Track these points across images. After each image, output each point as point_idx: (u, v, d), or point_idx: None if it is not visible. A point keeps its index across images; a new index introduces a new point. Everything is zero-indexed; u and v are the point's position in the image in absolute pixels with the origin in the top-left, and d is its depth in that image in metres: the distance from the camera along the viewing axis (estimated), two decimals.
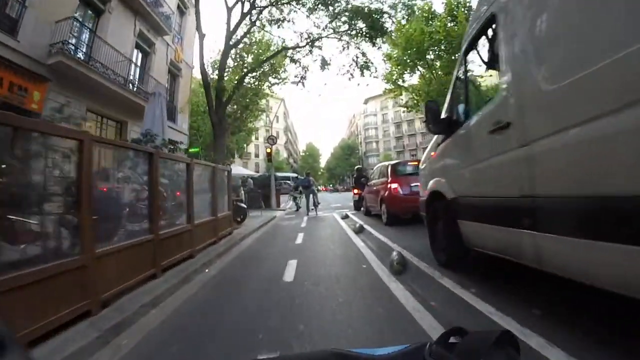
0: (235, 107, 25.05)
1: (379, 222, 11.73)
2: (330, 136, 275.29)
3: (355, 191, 16.71)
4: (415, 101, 30.78)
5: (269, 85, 26.91)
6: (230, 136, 33.26)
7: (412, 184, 9.71)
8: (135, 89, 15.45)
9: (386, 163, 12.42)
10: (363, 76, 24.31)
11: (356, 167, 19.52)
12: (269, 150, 21.36)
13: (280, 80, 28.76)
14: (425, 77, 28.50)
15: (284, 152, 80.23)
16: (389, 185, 10.56)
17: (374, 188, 12.56)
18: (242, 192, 16.99)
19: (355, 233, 10.00)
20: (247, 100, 27.50)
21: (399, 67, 30.02)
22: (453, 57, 23.71)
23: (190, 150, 18.17)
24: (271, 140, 21.65)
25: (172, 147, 8.92)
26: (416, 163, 10.19)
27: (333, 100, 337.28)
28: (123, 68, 14.47)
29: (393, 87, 31.56)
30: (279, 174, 47.23)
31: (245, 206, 13.71)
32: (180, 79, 22.18)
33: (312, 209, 16.04)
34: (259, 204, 19.32)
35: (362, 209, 15.54)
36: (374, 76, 19.82)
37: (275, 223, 14.31)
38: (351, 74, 18.78)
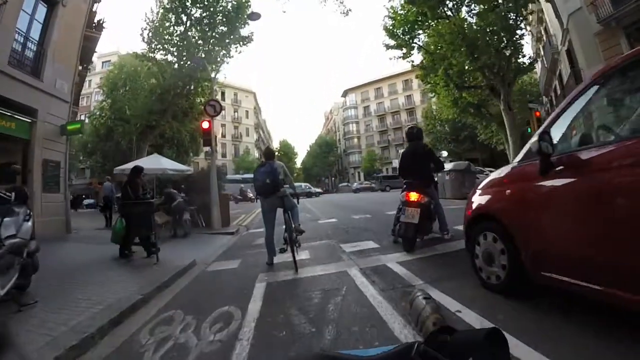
0: None
1: None
2: (306, 134, 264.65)
3: (413, 196, 6.50)
4: (432, 62, 22.53)
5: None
6: (171, 121, 24.29)
7: None
8: None
9: None
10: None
11: (410, 127, 7.92)
12: (206, 125, 12.34)
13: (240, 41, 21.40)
14: (452, 24, 20.03)
15: (255, 151, 71.77)
16: None
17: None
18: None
19: None
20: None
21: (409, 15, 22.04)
22: None
23: (69, 127, 13.85)
24: (210, 107, 12.62)
25: None
26: None
27: (308, 95, 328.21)
28: None
29: (399, 44, 23.31)
30: (247, 176, 38.88)
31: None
32: (60, 9, 13.35)
33: (284, 246, 6.30)
34: (183, 229, 11.47)
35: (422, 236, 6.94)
36: None
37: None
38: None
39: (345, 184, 63.55)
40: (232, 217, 14.63)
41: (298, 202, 6.52)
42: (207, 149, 14.17)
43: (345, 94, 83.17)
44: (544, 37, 27.39)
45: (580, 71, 22.33)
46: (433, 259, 5.74)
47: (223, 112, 69.06)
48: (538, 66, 30.92)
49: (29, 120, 12.30)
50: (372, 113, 77.53)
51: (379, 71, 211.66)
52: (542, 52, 28.76)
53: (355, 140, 79.80)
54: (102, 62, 55.12)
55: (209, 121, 12.50)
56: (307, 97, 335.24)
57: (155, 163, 14.46)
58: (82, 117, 48.76)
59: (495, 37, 20.18)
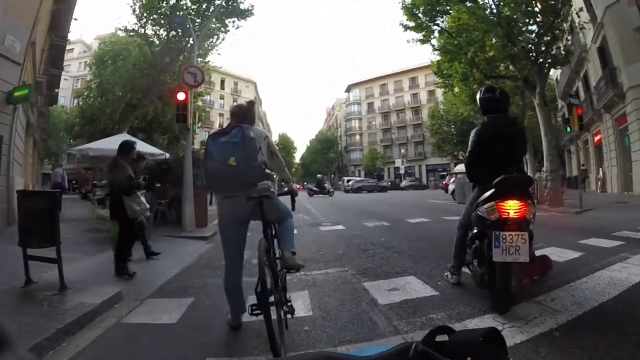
0: None
1: None
2: (306, 129, 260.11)
3: (516, 207, 3.57)
4: (456, 46, 19.81)
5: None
6: (155, 101, 21.77)
7: None
8: None
9: None
10: None
11: (487, 89, 4.72)
12: (181, 96, 9.57)
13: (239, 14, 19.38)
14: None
15: None
16: None
17: None
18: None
19: None
20: None
21: None
22: None
23: (15, 93, 10.85)
24: (190, 75, 9.85)
25: None
26: None
27: (310, 89, 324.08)
28: None
29: (419, 25, 20.70)
30: None
31: None
32: None
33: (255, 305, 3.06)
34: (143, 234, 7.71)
35: None
36: None
37: None
38: None
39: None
40: (212, 215, 11.66)
41: (294, 208, 3.64)
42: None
43: (349, 89, 79.99)
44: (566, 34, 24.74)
45: (615, 70, 20.08)
46: (569, 335, 2.94)
47: (221, 101, 67.76)
48: None
49: None
50: (376, 110, 74.55)
51: (385, 66, 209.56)
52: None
53: (357, 137, 76.75)
54: (99, 44, 52.15)
55: (185, 92, 9.65)
56: (308, 90, 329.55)
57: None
58: (75, 101, 47.68)
59: (536, 18, 17.44)
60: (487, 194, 3.79)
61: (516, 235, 3.43)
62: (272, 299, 2.91)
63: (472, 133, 4.34)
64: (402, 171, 53.87)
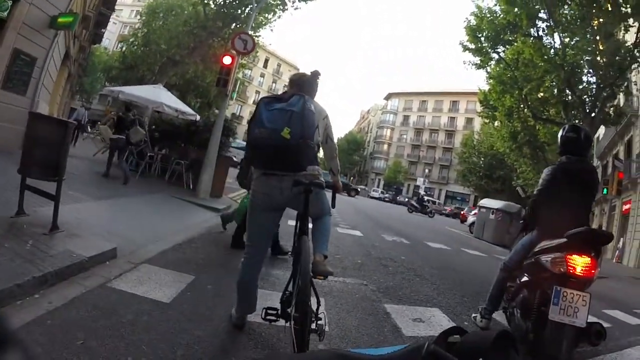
0: None
1: None
2: (336, 126, 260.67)
3: (584, 264, 3.11)
4: (512, 79, 19.18)
5: None
6: (198, 62, 21.56)
7: None
8: None
9: None
10: None
11: (572, 127, 4.13)
12: (227, 60, 9.11)
13: None
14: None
15: None
16: None
17: None
18: None
19: None
20: None
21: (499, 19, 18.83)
22: None
23: (60, 19, 10.45)
24: (240, 41, 9.40)
25: None
26: None
27: (347, 87, 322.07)
28: None
29: (479, 49, 20.16)
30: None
31: None
32: None
33: (273, 315, 2.69)
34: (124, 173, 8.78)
35: None
36: None
37: None
38: None
39: (363, 187, 59.27)
40: (227, 188, 11.22)
41: (334, 204, 3.08)
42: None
43: (388, 97, 78.92)
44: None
45: None
46: None
47: (261, 79, 67.68)
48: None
49: None
50: (410, 124, 73.24)
51: (428, 81, 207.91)
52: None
53: (385, 146, 75.47)
54: None
55: (232, 56, 9.16)
56: (345, 87, 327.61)
57: (153, 94, 11.14)
58: (118, 45, 48.39)
59: (600, 70, 16.51)
60: (555, 242, 3.33)
61: (577, 296, 2.99)
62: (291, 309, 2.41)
63: (546, 171, 3.85)
64: (421, 191, 52.88)
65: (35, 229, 3.87)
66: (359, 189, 35.81)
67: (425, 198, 34.45)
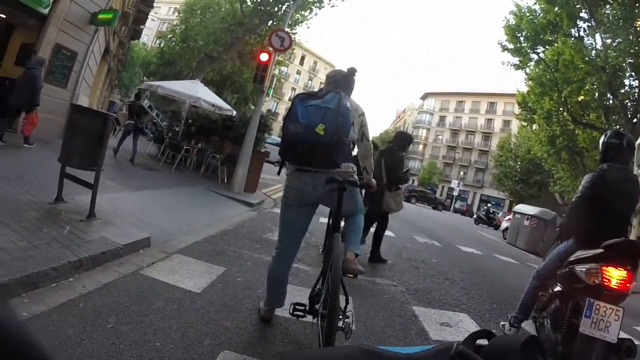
0: None
1: None
2: (372, 125, 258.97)
3: (620, 277, 3.00)
4: (552, 81, 18.60)
5: None
6: (235, 58, 21.84)
7: None
8: None
9: None
10: None
11: (614, 133, 3.92)
12: (264, 57, 9.21)
13: None
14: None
15: None
16: None
17: None
18: None
19: None
20: None
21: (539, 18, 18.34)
22: None
23: (100, 15, 10.98)
24: (277, 38, 9.48)
25: None
26: None
27: (383, 86, 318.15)
28: None
29: (518, 49, 19.71)
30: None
31: None
32: None
33: (300, 310, 2.72)
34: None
35: None
36: None
37: None
38: None
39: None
40: (261, 183, 11.34)
41: (366, 205, 3.10)
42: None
43: (425, 96, 77.48)
44: None
45: None
46: None
47: (297, 76, 67.85)
48: None
49: None
50: (447, 125, 71.71)
51: (466, 81, 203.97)
52: None
53: (421, 147, 73.97)
54: None
55: (269, 53, 9.23)
56: (380, 86, 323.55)
57: (190, 89, 11.36)
58: (157, 41, 49.79)
59: None
60: (591, 252, 3.21)
61: (611, 310, 2.88)
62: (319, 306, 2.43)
63: (587, 178, 3.68)
64: (455, 193, 51.95)
65: (72, 216, 4.03)
66: (445, 203, 34.66)
67: (492, 210, 33.90)
